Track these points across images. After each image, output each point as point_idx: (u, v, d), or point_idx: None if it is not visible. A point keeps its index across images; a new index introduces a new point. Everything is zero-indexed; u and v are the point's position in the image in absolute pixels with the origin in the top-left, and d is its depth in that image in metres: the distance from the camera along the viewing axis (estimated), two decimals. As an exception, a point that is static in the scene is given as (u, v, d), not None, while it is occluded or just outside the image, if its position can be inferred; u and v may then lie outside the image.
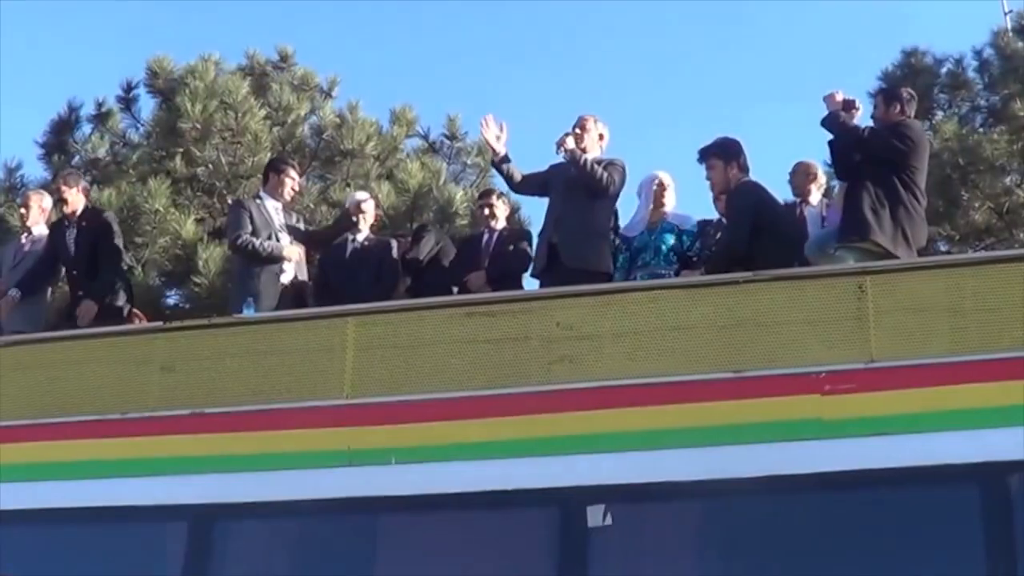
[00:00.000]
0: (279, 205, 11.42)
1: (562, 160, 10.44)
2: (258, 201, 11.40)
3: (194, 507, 8.38)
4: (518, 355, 8.17)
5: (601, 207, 10.47)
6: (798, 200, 11.16)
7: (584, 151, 10.38)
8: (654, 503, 7.72)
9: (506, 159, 10.78)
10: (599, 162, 10.35)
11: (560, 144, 10.25)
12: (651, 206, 10.87)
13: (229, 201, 16.05)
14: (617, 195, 10.67)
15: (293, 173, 11.70)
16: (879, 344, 7.61)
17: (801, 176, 11.29)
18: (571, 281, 9.16)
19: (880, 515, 7.34)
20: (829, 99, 9.66)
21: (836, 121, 9.53)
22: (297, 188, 11.96)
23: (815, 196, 11.26)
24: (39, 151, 18.29)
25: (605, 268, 10.18)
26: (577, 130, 10.47)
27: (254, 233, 11.04)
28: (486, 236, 11.74)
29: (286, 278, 11.04)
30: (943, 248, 16.48)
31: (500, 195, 12.11)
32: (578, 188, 10.29)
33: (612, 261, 10.52)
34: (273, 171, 11.69)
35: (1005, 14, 18.76)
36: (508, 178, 10.85)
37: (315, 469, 8.23)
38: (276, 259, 11.00)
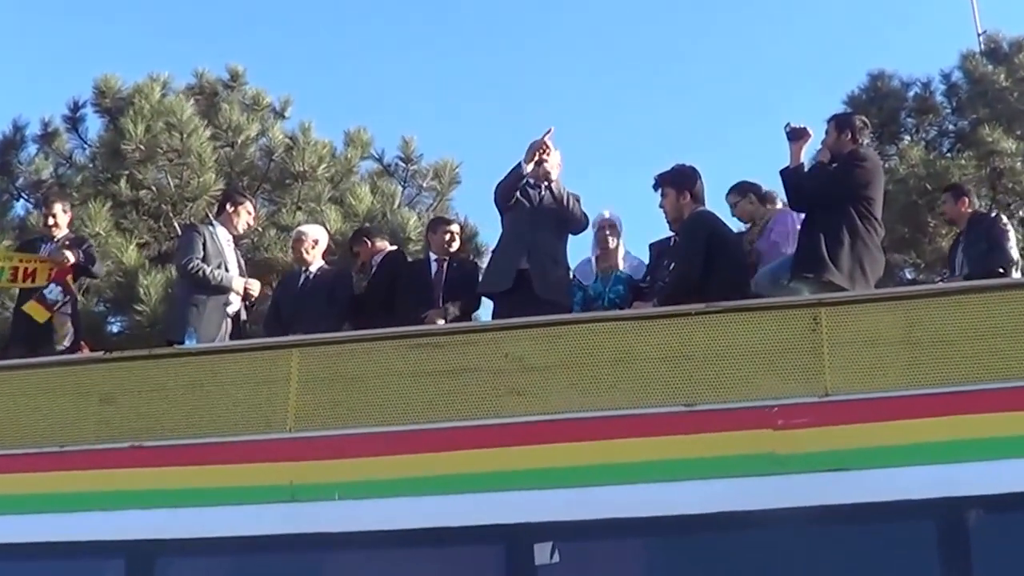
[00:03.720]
0: (230, 237, 11.21)
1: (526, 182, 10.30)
2: (210, 229, 11.17)
3: (132, 543, 8.19)
4: (466, 388, 8.01)
5: (566, 240, 10.46)
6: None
7: (548, 176, 10.28)
8: (603, 540, 7.57)
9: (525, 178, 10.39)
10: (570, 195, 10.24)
11: (545, 176, 10.14)
12: (598, 251, 10.78)
13: (176, 224, 15.86)
14: None
15: (250, 207, 11.53)
16: (834, 377, 7.49)
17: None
18: (536, 310, 9.02)
19: (835, 552, 7.22)
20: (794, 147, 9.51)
21: (794, 176, 9.41)
22: (251, 223, 11.73)
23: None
24: (-18, 171, 18.07)
25: (568, 302, 10.11)
26: (545, 156, 10.26)
27: (205, 260, 10.81)
28: (435, 266, 11.50)
29: (232, 309, 10.81)
30: (909, 275, 16.39)
31: (451, 223, 11.98)
32: (547, 217, 10.18)
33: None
34: (230, 202, 11.44)
35: (979, 34, 18.70)
36: (510, 193, 10.35)
37: (257, 504, 8.05)
38: (224, 290, 10.77)
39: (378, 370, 8.24)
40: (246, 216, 11.39)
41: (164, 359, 8.90)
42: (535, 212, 10.18)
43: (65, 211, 11.81)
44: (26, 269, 11.12)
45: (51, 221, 11.65)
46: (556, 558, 7.41)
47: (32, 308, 11.03)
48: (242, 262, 11.51)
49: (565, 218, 10.13)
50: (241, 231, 11.48)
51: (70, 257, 11.30)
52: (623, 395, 7.74)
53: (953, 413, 7.25)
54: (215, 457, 8.29)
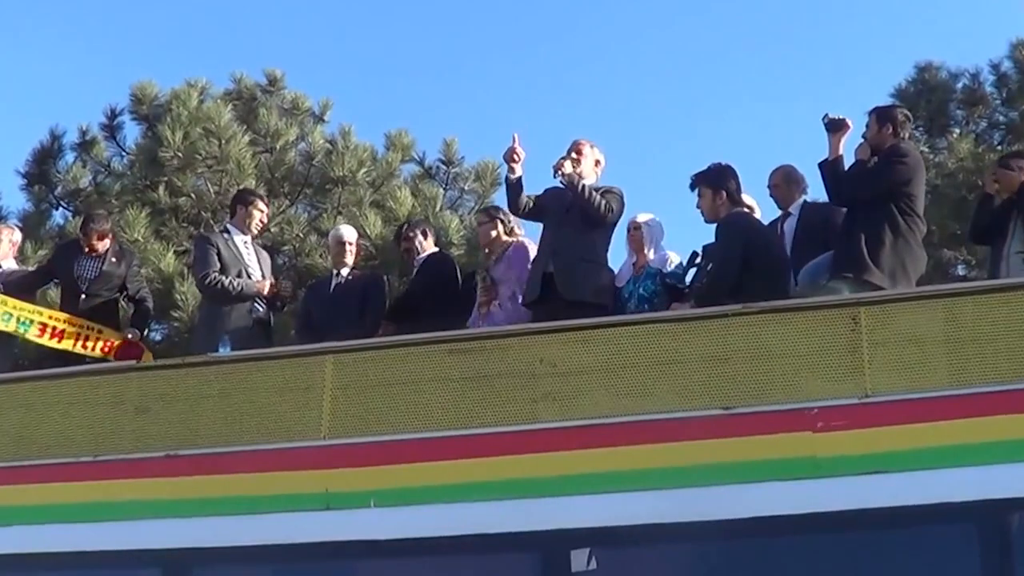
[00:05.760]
0: (247, 239, 11.14)
1: (558, 184, 10.10)
2: (225, 236, 11.12)
3: (168, 552, 8.16)
4: (500, 393, 7.93)
5: (599, 236, 10.10)
6: (780, 213, 10.74)
7: (580, 177, 10.04)
8: (640, 547, 7.46)
9: (520, 182, 10.26)
10: (596, 189, 9.99)
11: (557, 168, 9.88)
12: (632, 253, 10.67)
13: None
14: (615, 224, 10.29)
15: (261, 205, 11.42)
16: (874, 378, 7.36)
17: (783, 185, 10.83)
18: (566, 313, 8.86)
19: (877, 557, 7.07)
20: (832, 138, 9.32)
21: (834, 170, 9.25)
22: (265, 220, 11.61)
23: (797, 206, 10.81)
24: (20, 181, 18.13)
25: (602, 300, 9.81)
26: (573, 154, 10.10)
27: (223, 270, 10.75)
28: None
29: (259, 315, 10.73)
30: (961, 272, 16.12)
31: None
32: (574, 215, 9.93)
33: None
34: (240, 203, 11.38)
35: None
36: (515, 201, 10.31)
37: (292, 513, 8.01)
38: (245, 297, 10.71)
39: (412, 376, 8.18)
40: (258, 215, 11.27)
41: (198, 368, 8.88)
42: (561, 213, 10.03)
43: (101, 237, 11.52)
44: (54, 328, 11.00)
45: (87, 248, 11.51)
46: (593, 564, 7.33)
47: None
48: (266, 260, 11.40)
49: (590, 213, 9.90)
50: (255, 231, 11.36)
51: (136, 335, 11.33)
52: (659, 399, 7.64)
53: (997, 413, 7.10)
54: (250, 465, 8.25)
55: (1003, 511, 6.88)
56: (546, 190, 10.36)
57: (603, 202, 9.89)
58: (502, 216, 11.23)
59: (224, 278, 10.65)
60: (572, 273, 9.82)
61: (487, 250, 11.34)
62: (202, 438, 8.45)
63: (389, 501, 7.83)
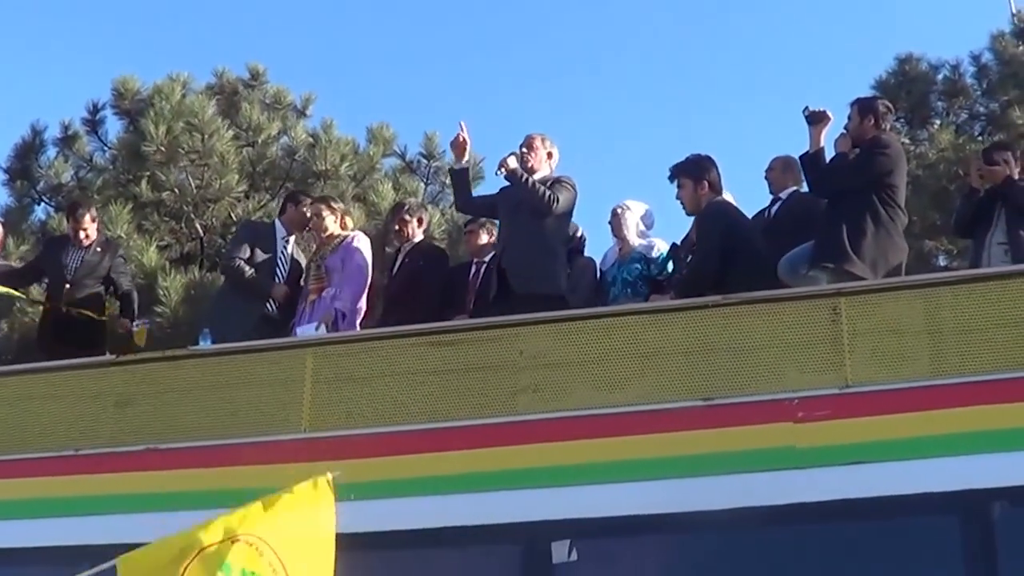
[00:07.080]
0: (291, 238, 11.13)
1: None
2: (268, 228, 11.18)
3: None
4: (481, 386, 7.97)
5: (550, 226, 9.88)
6: (770, 199, 10.73)
7: (532, 171, 9.95)
8: (621, 538, 7.45)
9: (466, 171, 10.38)
10: (544, 181, 9.91)
11: (501, 165, 9.82)
12: (615, 238, 10.62)
13: (197, 226, 15.82)
14: (566, 213, 10.09)
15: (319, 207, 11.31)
16: (855, 368, 7.39)
17: (779, 170, 10.87)
18: (521, 308, 8.80)
19: (857, 547, 7.09)
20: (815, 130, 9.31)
21: (815, 162, 9.23)
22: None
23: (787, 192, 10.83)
24: (2, 176, 18.00)
25: (555, 291, 9.61)
26: (524, 149, 10.06)
27: (251, 260, 10.75)
28: (473, 269, 11.13)
29: (268, 312, 10.72)
30: (942, 262, 16.12)
31: (484, 224, 11.58)
32: (523, 209, 9.82)
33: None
34: (291, 202, 11.37)
35: (1013, 14, 18.27)
36: (460, 191, 10.40)
37: (273, 506, 7.94)
38: (257, 289, 10.70)
39: (393, 369, 8.22)
40: (308, 214, 11.16)
41: (179, 361, 8.87)
42: (512, 209, 9.95)
43: (93, 219, 11.59)
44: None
45: (82, 235, 11.47)
46: (574, 556, 7.34)
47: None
48: (300, 262, 11.28)
49: (535, 204, 9.74)
50: (301, 231, 11.37)
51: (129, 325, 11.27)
52: (640, 390, 7.67)
53: (977, 403, 7.14)
54: (230, 459, 8.25)
55: (984, 501, 6.89)
56: (501, 189, 10.27)
57: (547, 193, 9.74)
58: (338, 208, 11.17)
59: (245, 265, 10.70)
60: (521, 267, 9.72)
61: (324, 235, 11.02)
62: (183, 432, 8.44)
63: (369, 494, 7.72)
